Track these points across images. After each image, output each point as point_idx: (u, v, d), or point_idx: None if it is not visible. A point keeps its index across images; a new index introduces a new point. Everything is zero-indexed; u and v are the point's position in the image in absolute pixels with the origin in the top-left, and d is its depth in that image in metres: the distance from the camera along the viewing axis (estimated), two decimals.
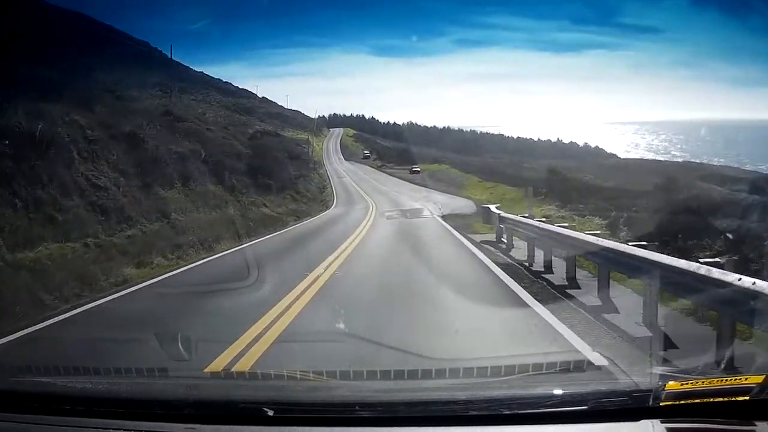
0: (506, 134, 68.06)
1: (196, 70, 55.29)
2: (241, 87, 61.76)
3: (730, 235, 12.04)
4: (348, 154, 69.07)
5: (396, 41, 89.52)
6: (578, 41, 76.81)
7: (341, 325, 6.02)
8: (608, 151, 56.62)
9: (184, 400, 2.27)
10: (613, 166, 43.96)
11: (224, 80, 59.61)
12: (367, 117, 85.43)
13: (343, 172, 53.67)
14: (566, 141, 63.70)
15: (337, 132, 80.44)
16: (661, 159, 49.67)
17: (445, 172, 48.63)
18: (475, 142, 63.90)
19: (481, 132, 69.94)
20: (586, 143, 62.12)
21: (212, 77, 57.18)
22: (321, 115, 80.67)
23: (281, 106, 66.86)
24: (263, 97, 64.55)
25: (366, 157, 68.94)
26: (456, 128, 72.24)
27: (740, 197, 19.56)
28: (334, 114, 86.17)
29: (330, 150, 69.69)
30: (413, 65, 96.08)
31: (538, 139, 65.29)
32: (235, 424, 2.13)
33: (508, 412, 2.04)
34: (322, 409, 2.23)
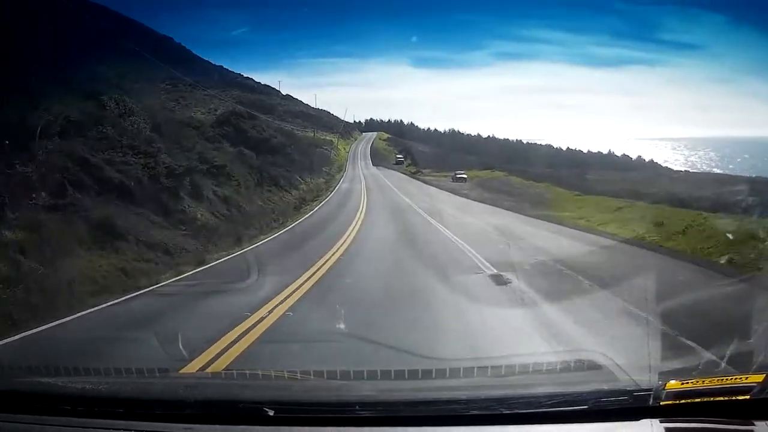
0: (554, 145, 63.01)
1: (214, 64, 51.13)
2: (263, 83, 56.54)
3: None
4: (378, 159, 61.82)
5: (436, 53, 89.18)
6: (617, 56, 75.70)
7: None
8: (663, 165, 54.48)
9: (184, 400, 2.26)
10: (689, 181, 36.13)
11: (245, 75, 54.90)
12: (405, 123, 79.74)
13: (361, 177, 44.45)
14: (618, 154, 61.12)
15: (369, 136, 74.91)
16: (730, 173, 46.90)
17: (504, 181, 37.64)
18: (523, 152, 58.72)
19: (527, 142, 65.01)
20: (639, 156, 59.62)
21: (232, 72, 52.89)
22: (357, 120, 76.03)
23: (306, 104, 60.86)
24: (287, 95, 59.19)
25: (398, 162, 60.88)
26: (501, 138, 66.97)
27: None
28: (371, 119, 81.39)
29: (357, 154, 63.59)
30: (453, 77, 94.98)
31: (588, 151, 61.35)
32: (235, 424, 2.13)
33: (508, 412, 2.03)
34: (322, 409, 2.22)
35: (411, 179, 46.80)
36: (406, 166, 58.56)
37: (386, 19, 74.76)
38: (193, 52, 50.43)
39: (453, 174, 43.56)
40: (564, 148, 62.06)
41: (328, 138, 57.94)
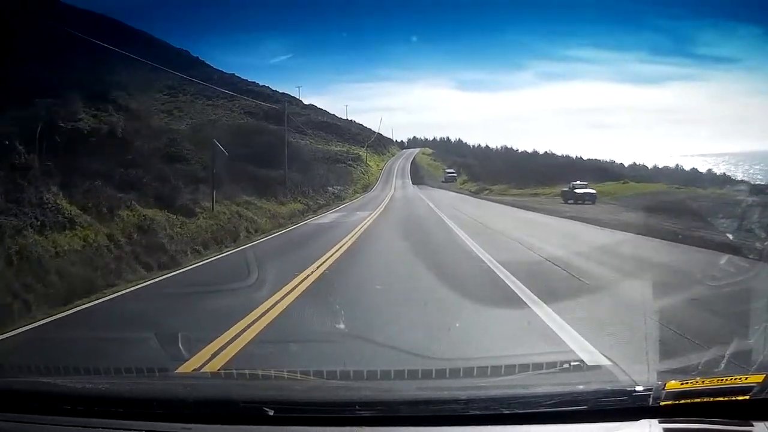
0: (617, 161, 61.08)
1: (226, 72, 48.38)
2: (280, 91, 51.59)
3: None
4: (420, 176, 51.72)
5: (479, 75, 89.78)
6: (658, 73, 75.94)
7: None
8: (737, 179, 52.63)
9: (184, 400, 2.27)
10: None
11: (260, 84, 50.90)
12: (452, 140, 73.27)
13: (383, 202, 29.70)
14: (687, 168, 59.15)
15: (410, 151, 67.70)
16: None
17: (697, 196, 22.63)
18: (591, 168, 50.81)
19: (588, 159, 60.30)
20: (709, 170, 57.90)
21: (245, 80, 49.38)
22: (399, 140, 70.73)
23: (332, 114, 54.83)
24: (310, 104, 53.48)
25: (449, 179, 49.97)
26: (560, 154, 60.08)
27: None
28: (414, 137, 76.32)
29: (394, 170, 54.50)
30: (497, 99, 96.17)
31: (654, 166, 59.02)
32: (235, 423, 2.13)
33: (508, 412, 2.04)
34: (322, 409, 2.22)
35: (477, 200, 31.72)
36: (461, 184, 46.53)
37: (428, 42, 74.14)
38: (207, 62, 47.35)
39: (568, 188, 28.05)
40: (626, 164, 58.09)
41: (354, 151, 50.14)
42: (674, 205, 19.68)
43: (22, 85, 20.55)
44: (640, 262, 10.05)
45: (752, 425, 1.93)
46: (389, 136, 69.83)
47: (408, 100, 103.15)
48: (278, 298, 7.18)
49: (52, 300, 7.75)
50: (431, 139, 76.78)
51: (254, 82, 50.97)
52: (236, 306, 6.69)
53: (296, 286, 8.03)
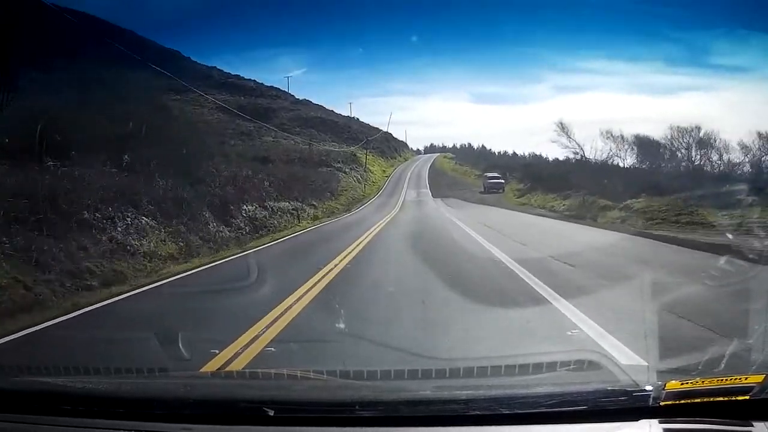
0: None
1: (208, 65, 44.68)
2: (268, 85, 47.75)
3: None
4: (444, 186, 40.71)
5: (495, 88, 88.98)
6: (673, 84, 74.23)
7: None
8: None
9: (184, 400, 2.27)
10: None
11: (245, 77, 46.28)
12: (474, 146, 66.19)
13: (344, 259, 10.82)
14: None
15: (428, 156, 60.37)
16: None
17: None
18: (627, 174, 49.39)
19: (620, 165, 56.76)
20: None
21: (227, 73, 45.10)
22: (416, 149, 66.08)
23: (330, 110, 48.81)
24: (304, 100, 47.97)
25: (494, 186, 37.49)
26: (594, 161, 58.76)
27: None
28: (431, 144, 71.61)
29: (405, 177, 44.23)
30: (512, 111, 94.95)
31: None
32: (235, 424, 2.13)
33: (508, 412, 2.03)
34: (322, 409, 2.22)
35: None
36: (518, 197, 33.19)
37: (443, 56, 73.57)
38: (187, 55, 43.89)
39: None
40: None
41: (350, 152, 41.55)
42: None
43: None
44: None
45: (752, 425, 1.93)
46: (402, 139, 64.60)
47: (424, 114, 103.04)
48: None
49: None
50: (450, 146, 72.37)
51: (236, 75, 46.58)
52: None
53: None
